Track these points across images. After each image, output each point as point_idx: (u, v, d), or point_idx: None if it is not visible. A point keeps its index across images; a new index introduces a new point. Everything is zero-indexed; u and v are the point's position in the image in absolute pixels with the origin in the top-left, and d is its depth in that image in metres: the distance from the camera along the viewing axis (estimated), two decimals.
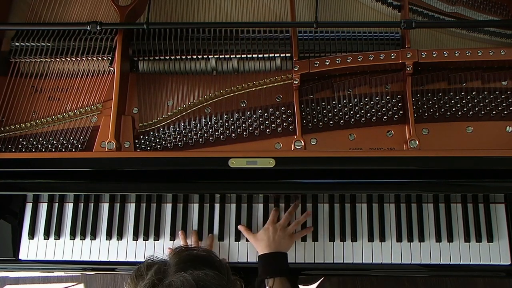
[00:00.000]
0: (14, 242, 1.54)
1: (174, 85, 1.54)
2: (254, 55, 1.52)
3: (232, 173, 1.36)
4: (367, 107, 1.48)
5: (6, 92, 1.52)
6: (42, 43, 1.53)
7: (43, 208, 1.56)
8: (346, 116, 1.48)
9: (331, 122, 1.47)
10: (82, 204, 1.55)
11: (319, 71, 1.47)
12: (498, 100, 1.48)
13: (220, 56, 1.53)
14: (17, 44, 1.54)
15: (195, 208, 1.55)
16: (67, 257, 1.52)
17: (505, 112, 1.48)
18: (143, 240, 1.53)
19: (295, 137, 1.42)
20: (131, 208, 1.55)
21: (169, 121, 1.50)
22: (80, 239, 1.53)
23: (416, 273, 1.52)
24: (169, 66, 1.54)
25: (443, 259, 1.49)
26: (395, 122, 1.47)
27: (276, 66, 1.54)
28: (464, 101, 1.48)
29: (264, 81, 1.53)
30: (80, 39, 1.53)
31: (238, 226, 1.52)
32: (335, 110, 1.48)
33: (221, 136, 1.48)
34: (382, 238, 1.50)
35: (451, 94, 1.49)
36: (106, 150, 1.40)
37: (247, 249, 1.51)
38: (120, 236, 1.53)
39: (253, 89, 1.52)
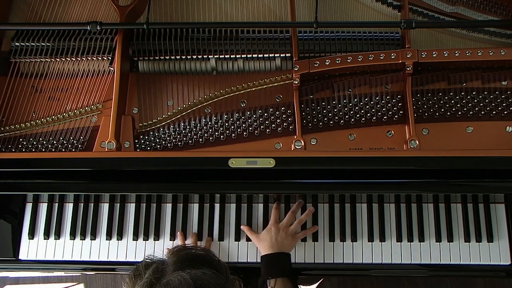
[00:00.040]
0: (14, 242, 1.53)
1: (174, 85, 1.54)
2: (254, 55, 1.52)
3: (232, 173, 1.36)
4: (367, 107, 1.48)
5: (6, 92, 1.52)
6: (42, 43, 1.53)
7: (43, 208, 1.55)
8: (346, 116, 1.47)
9: (331, 122, 1.47)
10: (82, 204, 1.55)
11: (319, 71, 1.47)
12: (498, 100, 1.48)
13: (220, 56, 1.53)
14: (17, 44, 1.54)
15: (195, 208, 1.55)
16: (67, 257, 1.52)
17: (505, 112, 1.47)
18: (143, 240, 1.53)
19: (295, 137, 1.42)
20: (131, 208, 1.55)
21: (169, 121, 1.50)
22: (80, 239, 1.53)
23: (416, 273, 1.52)
24: (169, 66, 1.54)
25: (443, 259, 1.48)
26: (395, 122, 1.47)
27: (276, 66, 1.54)
28: (464, 101, 1.48)
29: (264, 81, 1.52)
30: (80, 39, 1.53)
31: (241, 226, 1.51)
32: (335, 110, 1.48)
33: (221, 136, 1.48)
34: (382, 238, 1.50)
35: (451, 94, 1.49)
36: (106, 150, 1.40)
37: (247, 249, 1.51)
38: (120, 236, 1.53)
39: (253, 89, 1.52)
